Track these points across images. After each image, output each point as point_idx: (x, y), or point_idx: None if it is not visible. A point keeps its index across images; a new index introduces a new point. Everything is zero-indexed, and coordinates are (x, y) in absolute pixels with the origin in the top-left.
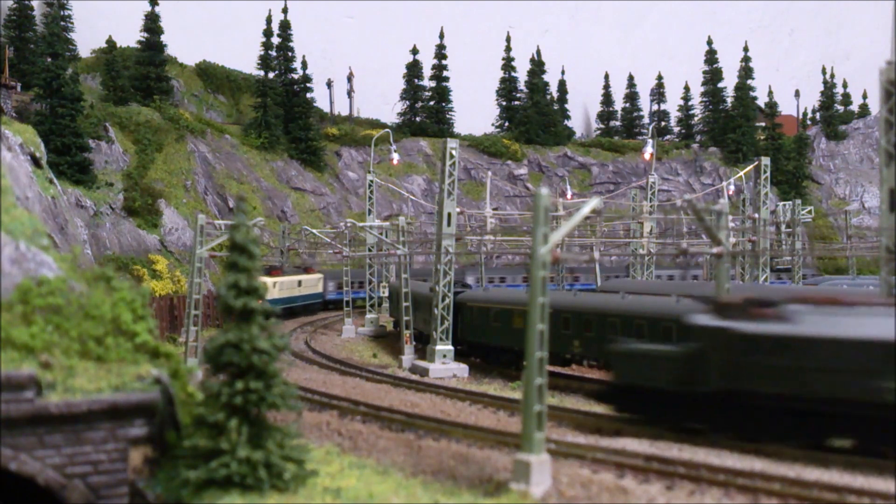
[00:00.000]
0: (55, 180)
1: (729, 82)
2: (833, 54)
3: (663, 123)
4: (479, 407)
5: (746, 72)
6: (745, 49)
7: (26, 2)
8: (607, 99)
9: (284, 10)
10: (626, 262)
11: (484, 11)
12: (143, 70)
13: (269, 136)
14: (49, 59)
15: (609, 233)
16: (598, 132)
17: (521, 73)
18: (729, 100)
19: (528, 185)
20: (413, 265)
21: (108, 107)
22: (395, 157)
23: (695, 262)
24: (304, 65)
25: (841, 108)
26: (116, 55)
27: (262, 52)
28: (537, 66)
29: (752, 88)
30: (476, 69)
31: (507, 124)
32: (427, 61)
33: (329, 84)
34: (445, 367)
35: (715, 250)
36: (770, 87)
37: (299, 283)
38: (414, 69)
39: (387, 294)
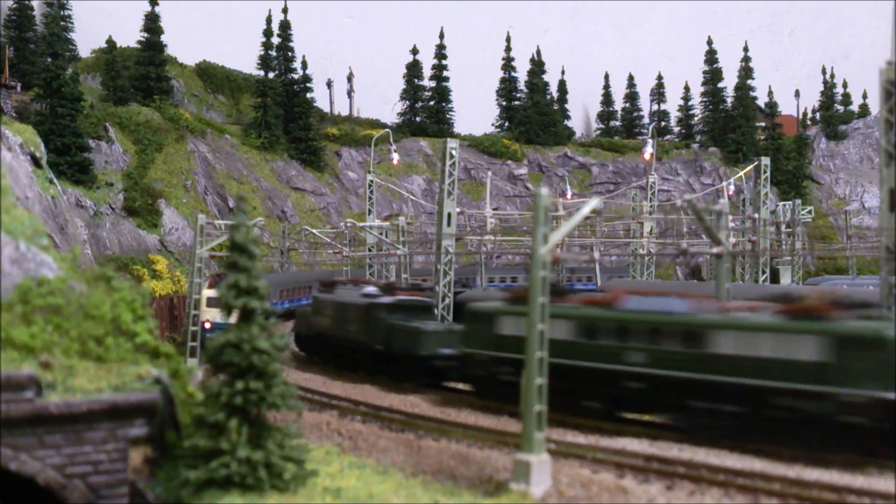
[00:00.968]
0: (55, 180)
1: (729, 82)
2: (833, 54)
3: (663, 123)
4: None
5: (746, 72)
6: (745, 49)
7: (26, 2)
8: (607, 99)
9: (284, 10)
10: (626, 262)
11: (484, 11)
12: (143, 70)
13: (269, 136)
14: (49, 59)
15: (609, 233)
16: (598, 132)
17: (521, 73)
18: (729, 100)
19: (528, 185)
20: (413, 265)
21: (108, 107)
22: (395, 157)
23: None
24: (304, 65)
25: (841, 108)
26: (116, 55)
27: (262, 52)
28: (537, 66)
29: (752, 88)
30: (476, 69)
31: (507, 124)
32: (427, 61)
33: (329, 84)
34: None
35: (715, 250)
36: (770, 87)
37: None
38: (414, 69)
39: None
